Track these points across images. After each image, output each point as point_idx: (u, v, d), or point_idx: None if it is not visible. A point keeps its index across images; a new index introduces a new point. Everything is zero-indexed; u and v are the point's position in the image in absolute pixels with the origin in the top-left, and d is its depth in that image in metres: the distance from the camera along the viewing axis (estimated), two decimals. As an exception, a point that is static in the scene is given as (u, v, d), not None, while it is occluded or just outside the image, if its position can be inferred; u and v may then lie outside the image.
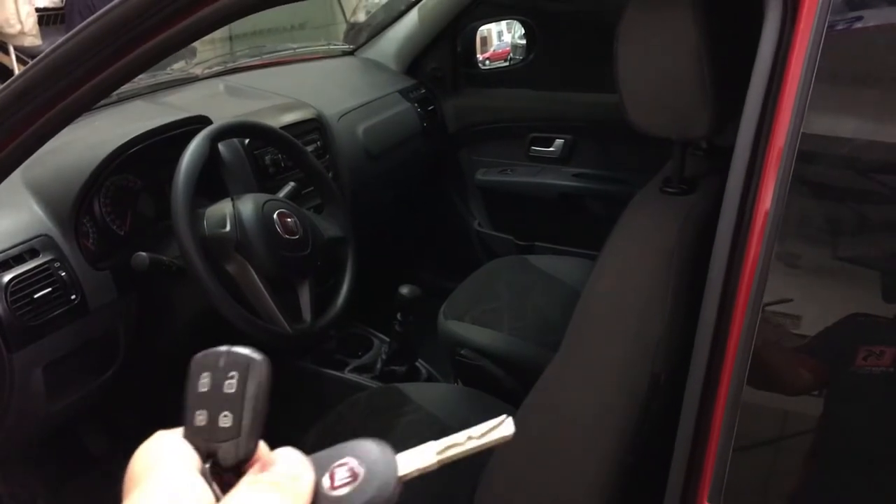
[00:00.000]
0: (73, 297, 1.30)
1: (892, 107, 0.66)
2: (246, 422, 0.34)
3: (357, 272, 1.64)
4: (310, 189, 1.78)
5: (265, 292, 1.39)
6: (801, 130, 0.67)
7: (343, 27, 3.44)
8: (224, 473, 0.35)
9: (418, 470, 0.37)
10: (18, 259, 1.24)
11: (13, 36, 4.66)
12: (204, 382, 0.35)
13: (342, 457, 0.36)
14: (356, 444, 0.37)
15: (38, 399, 1.29)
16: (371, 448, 0.37)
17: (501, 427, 0.38)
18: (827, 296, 0.70)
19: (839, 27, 0.67)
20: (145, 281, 1.43)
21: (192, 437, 0.35)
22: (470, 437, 0.38)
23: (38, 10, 4.79)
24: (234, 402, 0.34)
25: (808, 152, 0.68)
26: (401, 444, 1.21)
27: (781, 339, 0.71)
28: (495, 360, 1.70)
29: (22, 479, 1.43)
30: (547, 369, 1.05)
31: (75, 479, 1.55)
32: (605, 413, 0.93)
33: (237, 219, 1.38)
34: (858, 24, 0.68)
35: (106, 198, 1.47)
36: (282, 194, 1.61)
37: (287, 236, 1.44)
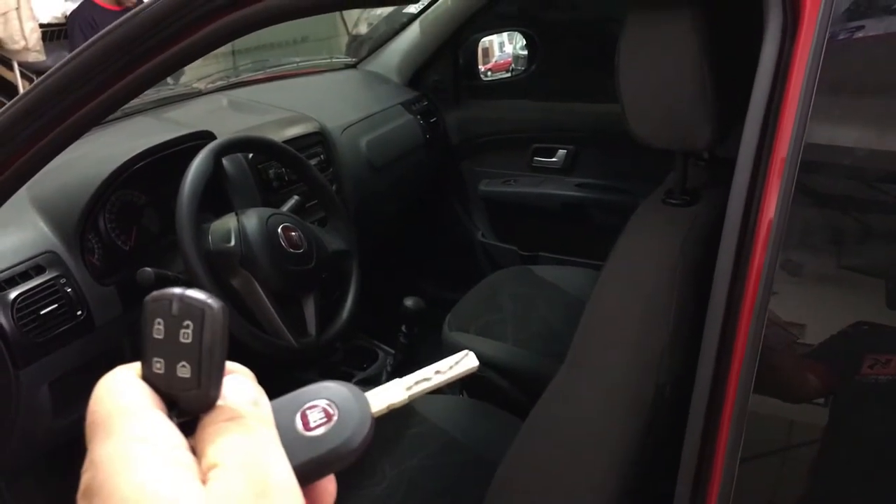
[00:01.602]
0: (79, 313, 1.31)
1: (894, 116, 0.67)
2: (205, 373, 0.33)
3: (361, 285, 1.64)
4: (313, 202, 1.78)
5: (270, 306, 1.39)
6: (804, 140, 0.67)
7: (345, 39, 3.45)
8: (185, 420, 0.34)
9: (389, 406, 0.37)
10: (24, 276, 1.25)
11: (17, 52, 4.68)
12: (158, 329, 0.33)
13: (309, 400, 0.36)
14: (321, 387, 0.36)
15: (45, 415, 1.29)
16: (339, 389, 0.36)
17: (465, 360, 0.38)
18: (832, 305, 0.70)
19: (840, 37, 0.68)
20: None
21: (152, 380, 0.34)
22: (437, 372, 0.38)
23: (41, 26, 4.80)
24: (190, 353, 0.33)
25: (811, 162, 0.68)
26: (407, 456, 1.20)
27: (787, 348, 0.71)
28: (500, 372, 1.70)
29: (28, 494, 1.43)
30: (552, 381, 1.05)
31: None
32: (611, 424, 0.93)
33: (242, 233, 1.39)
34: (859, 34, 0.68)
35: (111, 213, 1.47)
36: (286, 208, 1.62)
37: (291, 250, 1.44)
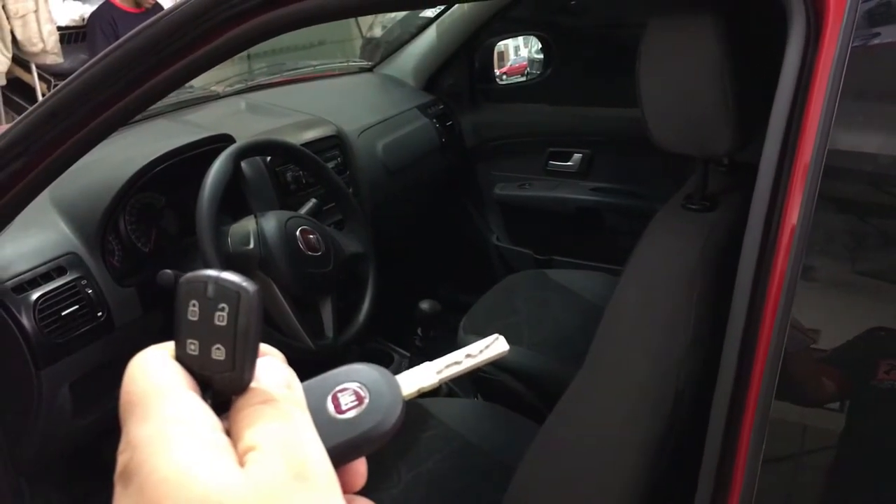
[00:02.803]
0: (99, 314, 1.32)
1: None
2: (239, 356, 0.33)
3: (378, 288, 1.64)
4: (331, 205, 1.79)
5: (288, 309, 1.40)
6: (828, 147, 0.67)
7: (360, 43, 3.47)
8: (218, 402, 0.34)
9: (419, 389, 0.37)
10: (46, 277, 1.26)
11: (35, 54, 4.72)
12: (193, 311, 0.33)
13: (340, 382, 0.36)
14: (352, 370, 0.36)
15: (65, 415, 1.30)
16: (370, 371, 0.36)
17: (495, 344, 0.38)
18: (856, 311, 0.70)
19: (864, 43, 0.67)
20: (170, 298, 1.44)
21: (186, 361, 0.34)
22: (468, 356, 0.38)
23: (59, 28, 4.85)
24: (225, 336, 0.33)
25: (835, 168, 0.68)
26: (423, 460, 1.21)
27: (811, 354, 0.71)
28: (515, 375, 1.70)
29: (49, 494, 1.44)
30: (571, 385, 1.05)
31: (101, 494, 1.56)
32: (631, 429, 0.93)
33: (261, 236, 1.39)
34: (883, 40, 0.68)
35: (131, 216, 1.48)
36: (303, 211, 1.62)
37: (310, 253, 1.45)
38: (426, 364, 0.37)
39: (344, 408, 0.35)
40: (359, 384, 0.35)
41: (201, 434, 0.31)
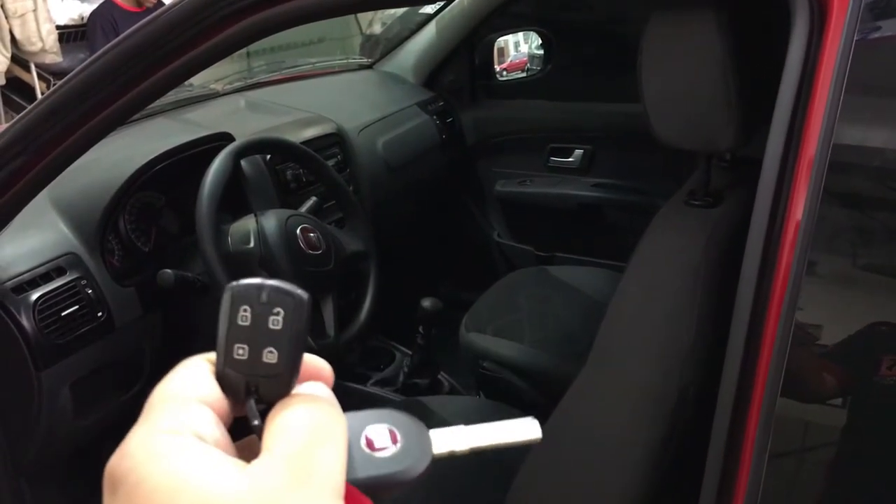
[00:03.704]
0: (99, 314, 1.31)
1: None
2: (291, 359, 0.34)
3: (379, 286, 1.64)
4: (331, 203, 1.78)
5: (289, 308, 1.39)
6: (832, 141, 0.67)
7: (359, 40, 3.46)
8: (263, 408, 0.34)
9: (450, 452, 0.37)
10: (46, 277, 1.26)
11: (34, 53, 4.71)
12: (244, 316, 0.33)
13: (375, 421, 0.36)
14: (387, 412, 0.36)
15: (66, 416, 1.29)
16: (405, 418, 0.36)
17: (531, 429, 0.38)
18: (862, 306, 0.70)
19: (868, 36, 0.67)
20: (170, 298, 1.44)
21: (229, 368, 0.34)
22: (501, 432, 0.38)
23: (58, 27, 4.83)
24: (279, 339, 0.33)
25: (839, 163, 0.67)
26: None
27: (816, 350, 0.71)
28: (517, 372, 1.69)
29: (50, 495, 1.44)
30: (574, 382, 1.04)
31: (101, 495, 1.56)
32: (634, 426, 0.93)
33: (261, 235, 1.39)
34: (888, 33, 0.68)
35: (131, 215, 1.48)
36: (304, 209, 1.62)
37: (310, 251, 1.44)
38: (460, 427, 0.37)
39: (377, 445, 0.35)
40: (394, 427, 0.36)
41: (198, 444, 0.30)
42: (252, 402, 0.34)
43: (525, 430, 0.38)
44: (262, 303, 0.33)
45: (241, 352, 0.34)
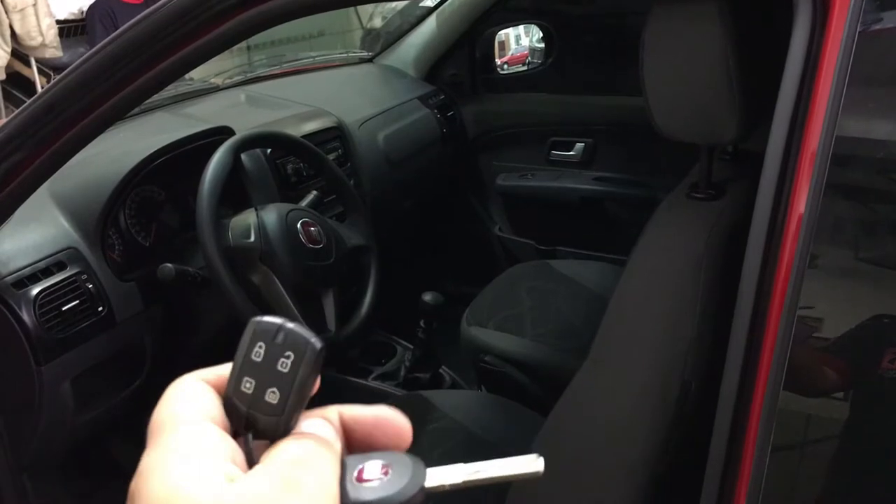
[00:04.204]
0: (100, 309, 1.31)
1: (927, 108, 0.66)
2: (291, 404, 0.35)
3: (380, 280, 1.64)
4: (332, 197, 1.78)
5: (290, 302, 1.39)
6: (835, 134, 0.66)
7: (360, 34, 3.46)
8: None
9: (443, 485, 0.37)
10: (46, 272, 1.25)
11: (34, 48, 4.71)
12: (258, 352, 0.35)
13: (377, 458, 0.37)
14: (389, 453, 0.37)
15: (67, 411, 1.29)
16: (402, 456, 0.37)
17: (534, 463, 0.38)
18: (864, 299, 0.69)
19: (871, 28, 0.66)
20: (171, 292, 1.44)
21: (233, 397, 0.35)
22: (502, 467, 0.38)
23: (58, 22, 4.83)
24: (284, 382, 0.35)
25: (842, 156, 0.67)
26: (427, 452, 1.21)
27: (819, 343, 0.70)
28: (519, 366, 1.69)
29: (52, 490, 1.44)
30: (576, 377, 1.04)
31: (104, 489, 1.56)
32: (636, 420, 0.93)
33: (261, 229, 1.39)
34: (891, 24, 0.67)
35: (131, 210, 1.48)
36: (304, 203, 1.61)
37: (311, 245, 1.44)
38: (459, 465, 0.38)
39: (366, 476, 0.36)
40: (388, 461, 0.36)
41: (202, 459, 0.32)
42: (249, 437, 0.35)
43: (527, 464, 0.38)
44: (277, 343, 0.35)
45: (248, 385, 0.35)
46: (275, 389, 0.35)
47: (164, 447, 0.32)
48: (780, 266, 0.70)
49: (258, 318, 0.35)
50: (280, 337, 0.35)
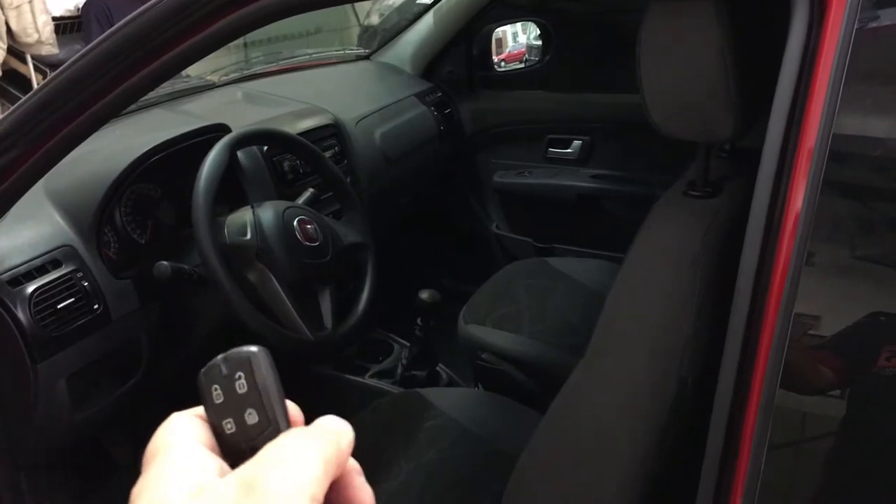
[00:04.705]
0: (95, 306, 1.31)
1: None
2: (269, 410, 0.36)
3: (377, 278, 1.63)
4: (328, 195, 1.77)
5: (286, 300, 1.39)
6: (832, 131, 0.66)
7: (357, 30, 3.45)
8: None
9: None
10: (41, 270, 1.25)
11: (30, 45, 4.70)
12: (217, 394, 0.36)
13: None
14: None
15: (63, 409, 1.29)
16: None
17: None
18: (861, 297, 0.69)
19: (869, 24, 0.66)
20: (167, 290, 1.43)
21: (227, 444, 0.36)
22: None
23: (54, 19, 4.81)
24: (250, 398, 0.36)
25: (839, 153, 0.67)
26: (423, 450, 1.21)
27: (816, 341, 0.70)
28: (516, 364, 1.69)
29: (48, 488, 1.44)
30: (572, 375, 1.04)
31: (100, 487, 1.56)
32: (633, 418, 0.92)
33: (258, 226, 1.38)
34: (889, 21, 0.67)
35: (127, 207, 1.47)
36: (301, 201, 1.61)
37: (307, 243, 1.43)
38: None
39: None
40: None
41: (185, 480, 0.33)
42: None
43: None
44: (224, 376, 0.36)
45: (229, 426, 0.36)
46: (250, 410, 0.36)
47: (154, 472, 0.34)
48: (777, 263, 0.70)
49: (201, 371, 0.37)
50: (223, 368, 0.36)
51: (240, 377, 0.36)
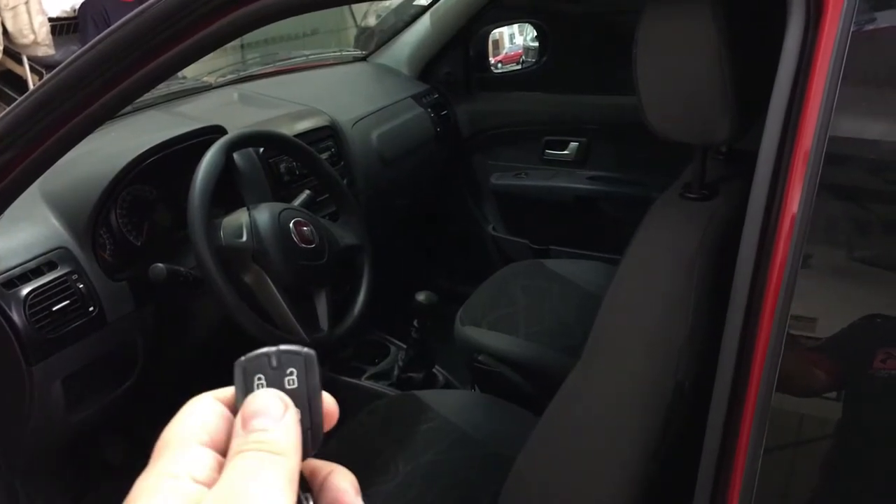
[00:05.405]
0: (91, 308, 1.30)
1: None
2: (316, 414, 0.36)
3: (374, 280, 1.63)
4: (325, 197, 1.77)
5: (282, 302, 1.39)
6: (828, 133, 0.66)
7: (354, 32, 3.45)
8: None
9: None
10: (37, 272, 1.25)
11: (26, 46, 4.68)
12: (260, 384, 0.36)
13: None
14: None
15: (58, 411, 1.29)
16: None
17: None
18: (857, 299, 0.69)
19: (865, 27, 0.66)
20: (163, 292, 1.43)
21: None
22: None
23: (51, 20, 4.80)
24: (299, 397, 0.36)
25: (836, 155, 0.67)
26: (420, 452, 1.21)
27: (812, 343, 0.70)
28: (512, 366, 1.69)
29: (43, 490, 1.43)
30: (568, 377, 1.04)
31: (95, 489, 1.55)
32: (629, 421, 0.92)
33: (253, 228, 1.38)
34: (885, 24, 0.67)
35: (122, 209, 1.47)
36: (297, 202, 1.61)
37: (303, 245, 1.43)
38: None
39: None
40: None
41: (181, 486, 0.33)
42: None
43: None
44: (274, 367, 0.36)
45: None
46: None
47: (157, 470, 0.34)
48: (773, 266, 0.70)
49: (242, 359, 0.36)
50: (274, 361, 0.36)
51: (291, 373, 0.36)
